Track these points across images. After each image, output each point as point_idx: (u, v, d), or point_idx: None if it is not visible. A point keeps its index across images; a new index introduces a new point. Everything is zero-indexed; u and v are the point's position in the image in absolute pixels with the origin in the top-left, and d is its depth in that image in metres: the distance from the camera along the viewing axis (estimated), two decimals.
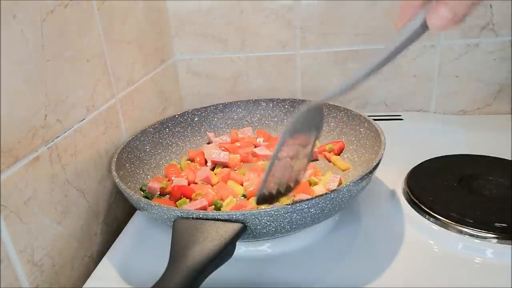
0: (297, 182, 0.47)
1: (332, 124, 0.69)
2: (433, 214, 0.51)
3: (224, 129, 0.75)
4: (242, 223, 0.42)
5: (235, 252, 0.41)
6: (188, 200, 0.57)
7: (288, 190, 0.46)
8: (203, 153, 0.67)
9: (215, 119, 0.75)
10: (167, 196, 0.59)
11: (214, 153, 0.65)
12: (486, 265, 0.46)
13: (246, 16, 0.82)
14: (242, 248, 0.50)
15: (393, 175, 0.62)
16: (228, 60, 0.86)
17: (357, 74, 0.38)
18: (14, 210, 0.42)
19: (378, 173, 0.56)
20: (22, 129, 0.43)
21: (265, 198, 0.44)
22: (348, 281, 0.45)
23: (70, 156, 0.51)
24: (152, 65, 0.75)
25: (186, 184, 0.60)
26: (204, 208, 0.53)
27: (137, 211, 0.60)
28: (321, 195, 0.44)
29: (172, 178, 0.61)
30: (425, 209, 0.53)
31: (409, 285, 0.44)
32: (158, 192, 0.59)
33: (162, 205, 0.45)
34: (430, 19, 0.33)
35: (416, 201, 0.54)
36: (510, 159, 0.61)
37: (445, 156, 0.63)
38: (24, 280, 0.43)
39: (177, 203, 0.56)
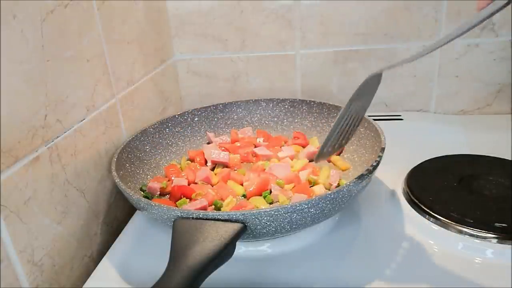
0: (348, 140, 0.52)
1: (332, 124, 0.69)
2: (433, 214, 0.51)
3: (224, 129, 0.75)
4: (242, 223, 0.42)
5: (235, 252, 0.41)
6: (188, 200, 0.57)
7: (340, 146, 0.52)
8: (203, 153, 0.67)
9: (215, 119, 0.75)
10: (167, 196, 0.59)
11: (214, 153, 0.65)
12: (486, 265, 0.46)
13: (246, 16, 0.82)
14: (242, 248, 0.50)
15: (393, 175, 0.62)
16: (228, 60, 0.86)
17: (432, 44, 0.40)
18: (14, 210, 0.42)
19: (378, 173, 0.56)
20: (22, 129, 0.43)
21: (322, 155, 0.50)
22: (348, 281, 0.45)
23: (70, 156, 0.51)
24: (152, 65, 0.75)
25: (186, 184, 0.60)
26: (204, 208, 0.53)
27: (137, 211, 0.60)
28: (321, 195, 0.44)
29: (172, 178, 0.61)
30: (425, 209, 0.53)
31: (409, 285, 0.44)
32: (158, 192, 0.59)
33: (162, 205, 0.45)
34: None
35: (416, 201, 0.54)
36: (510, 159, 0.61)
37: (445, 156, 0.63)
38: (24, 280, 0.43)
39: (177, 203, 0.56)
